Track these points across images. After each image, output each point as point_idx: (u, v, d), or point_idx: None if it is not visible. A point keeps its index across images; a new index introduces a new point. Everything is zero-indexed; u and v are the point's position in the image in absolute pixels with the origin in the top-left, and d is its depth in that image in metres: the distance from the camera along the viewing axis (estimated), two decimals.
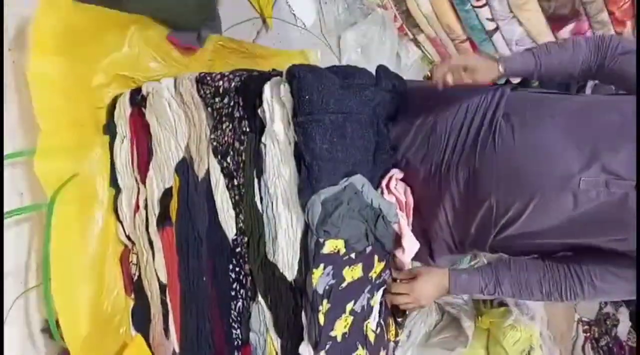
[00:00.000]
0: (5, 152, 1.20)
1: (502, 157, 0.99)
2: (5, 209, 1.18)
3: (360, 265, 1.02)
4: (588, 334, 3.50)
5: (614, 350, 3.50)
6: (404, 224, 1.09)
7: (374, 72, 1.14)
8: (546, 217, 0.97)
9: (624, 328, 3.60)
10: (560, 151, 0.95)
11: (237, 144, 1.10)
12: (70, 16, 1.26)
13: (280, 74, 1.08)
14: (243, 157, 1.08)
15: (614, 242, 0.96)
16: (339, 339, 1.00)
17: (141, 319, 1.34)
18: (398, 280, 1.13)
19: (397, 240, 1.11)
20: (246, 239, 1.10)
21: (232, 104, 1.10)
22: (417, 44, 2.92)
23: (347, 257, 0.99)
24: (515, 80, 1.72)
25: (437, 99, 1.10)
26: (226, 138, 1.11)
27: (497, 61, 1.04)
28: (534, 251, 1.08)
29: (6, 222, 1.21)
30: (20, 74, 1.24)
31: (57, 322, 1.20)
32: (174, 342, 1.24)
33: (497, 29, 2.52)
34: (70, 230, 1.24)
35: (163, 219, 1.22)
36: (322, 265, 0.96)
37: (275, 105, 1.02)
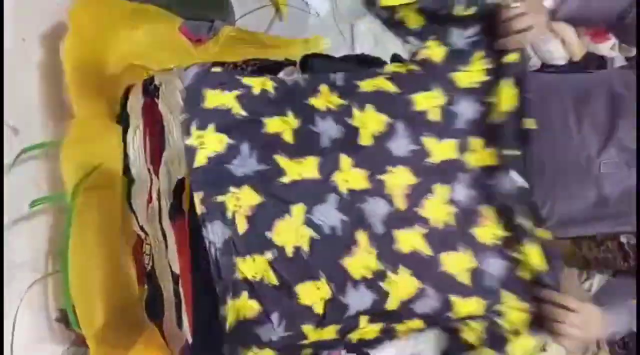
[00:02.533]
0: (22, 143, 1.21)
1: None
2: (24, 200, 1.19)
3: None
4: None
5: (630, 345, 3.45)
6: None
7: (388, 61, 1.12)
8: (572, 204, 0.94)
9: None
10: (574, 134, 0.92)
11: None
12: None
13: (293, 63, 1.07)
14: None
15: None
16: None
17: (154, 310, 1.35)
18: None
19: None
20: None
21: None
22: None
23: None
24: None
25: None
26: None
27: None
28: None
29: (24, 212, 1.22)
30: (35, 64, 1.24)
31: (74, 311, 1.21)
32: (187, 331, 1.24)
33: None
34: (86, 221, 1.25)
35: (176, 210, 1.22)
36: None
37: None
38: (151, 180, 1.31)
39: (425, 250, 0.91)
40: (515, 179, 0.89)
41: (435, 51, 0.95)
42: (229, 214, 0.92)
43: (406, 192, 0.92)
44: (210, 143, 0.91)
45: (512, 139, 0.90)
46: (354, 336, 0.96)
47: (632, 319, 0.94)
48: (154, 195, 1.30)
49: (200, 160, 0.91)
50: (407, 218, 0.92)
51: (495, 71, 0.92)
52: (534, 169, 0.92)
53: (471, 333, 0.94)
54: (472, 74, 0.93)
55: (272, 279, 0.92)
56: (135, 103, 1.32)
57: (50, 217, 1.31)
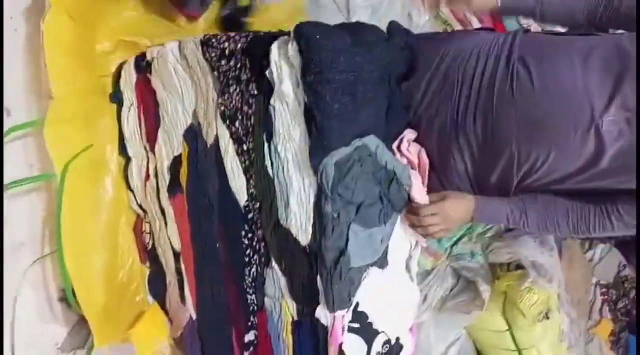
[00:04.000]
0: (14, 123, 1.18)
1: (522, 103, 0.95)
2: (16, 179, 1.18)
3: None
4: (606, 297, 3.48)
5: (632, 312, 3.48)
6: (417, 183, 1.06)
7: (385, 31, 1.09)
8: (570, 161, 0.94)
9: None
10: (581, 92, 0.92)
11: (245, 108, 1.07)
12: None
13: (287, 33, 1.04)
14: (252, 121, 1.06)
15: None
16: None
17: (157, 287, 1.35)
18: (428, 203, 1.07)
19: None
20: (258, 204, 1.08)
21: (239, 66, 1.07)
22: None
23: None
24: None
25: (447, 48, 1.05)
26: (234, 102, 1.08)
27: None
28: (560, 196, 1.05)
29: (18, 191, 1.21)
30: (23, 42, 1.22)
31: (73, 292, 1.21)
32: (191, 308, 1.25)
33: None
34: (82, 200, 1.24)
35: (174, 187, 1.21)
36: None
37: (283, 66, 0.99)
38: (148, 157, 1.30)
39: None
40: None
41: None
42: None
43: None
44: None
45: None
46: None
47: (500, 209, 1.05)
48: (152, 173, 1.29)
49: None
50: None
51: None
52: (538, 123, 0.92)
53: None
54: None
55: None
56: (128, 80, 1.30)
57: (50, 195, 1.30)
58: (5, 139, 1.16)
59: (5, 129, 1.16)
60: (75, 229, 1.20)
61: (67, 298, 1.21)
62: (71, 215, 1.18)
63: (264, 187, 1.06)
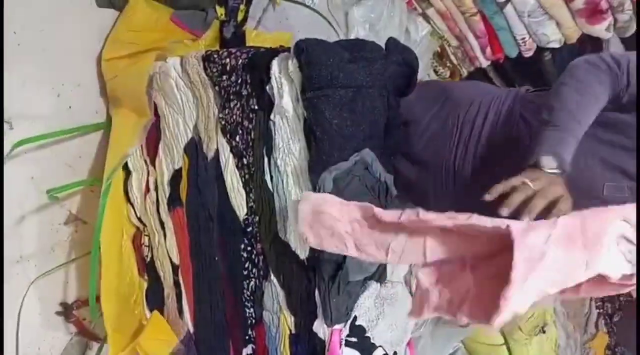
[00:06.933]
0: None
1: (520, 160, 0.90)
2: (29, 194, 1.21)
3: None
4: (601, 310, 3.49)
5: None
6: None
7: (382, 46, 1.11)
8: None
9: None
10: (582, 164, 0.93)
11: (246, 122, 1.08)
12: None
13: (287, 49, 1.06)
14: (252, 136, 1.07)
15: None
16: None
17: (155, 300, 1.35)
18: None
19: None
20: (257, 218, 1.09)
21: (239, 81, 1.08)
22: (427, 18, 2.85)
23: None
24: None
25: (451, 94, 1.08)
26: (235, 117, 1.10)
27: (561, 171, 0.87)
28: None
29: (21, 206, 1.22)
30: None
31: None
32: (188, 321, 1.25)
33: (508, 0, 2.45)
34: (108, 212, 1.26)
35: (173, 200, 1.22)
36: None
37: (283, 81, 1.00)
38: (148, 171, 1.31)
39: None
40: None
41: None
42: None
43: None
44: None
45: None
46: None
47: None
48: (151, 186, 1.29)
49: None
50: None
51: None
52: None
53: None
54: None
55: None
56: None
57: (53, 209, 1.31)
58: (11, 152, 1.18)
59: (12, 141, 1.18)
60: (105, 239, 1.23)
61: (67, 311, 1.21)
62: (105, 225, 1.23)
63: (263, 200, 1.07)
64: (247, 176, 1.09)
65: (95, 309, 1.23)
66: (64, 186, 1.27)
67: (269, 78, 1.02)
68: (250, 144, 1.07)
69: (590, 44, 2.41)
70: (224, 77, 1.10)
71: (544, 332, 2.15)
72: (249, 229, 1.11)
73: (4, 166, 1.17)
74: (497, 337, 2.12)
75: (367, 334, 1.04)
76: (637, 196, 0.89)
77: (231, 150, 1.11)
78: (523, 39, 2.53)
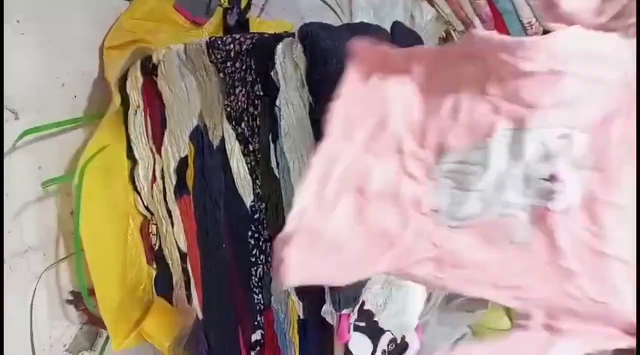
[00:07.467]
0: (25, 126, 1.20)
1: None
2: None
3: None
4: None
5: None
6: None
7: (388, 30, 1.10)
8: None
9: None
10: None
11: (251, 109, 1.08)
12: None
13: (292, 34, 1.05)
14: (258, 122, 1.07)
15: None
16: None
17: (164, 287, 1.36)
18: None
19: None
20: (264, 204, 1.09)
21: (244, 67, 1.08)
22: (432, 3, 2.82)
23: None
24: None
25: None
26: (240, 103, 1.09)
27: None
28: None
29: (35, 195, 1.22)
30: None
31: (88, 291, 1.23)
32: (197, 308, 1.25)
33: None
34: (97, 202, 1.25)
35: (180, 188, 1.22)
36: None
37: (288, 67, 1.00)
38: (154, 159, 1.31)
39: None
40: None
41: None
42: None
43: None
44: None
45: None
46: None
47: None
48: (158, 175, 1.30)
49: None
50: None
51: None
52: None
53: None
54: None
55: None
56: (135, 83, 1.31)
57: (60, 199, 1.31)
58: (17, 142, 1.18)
59: (17, 132, 1.18)
60: (92, 230, 1.21)
61: (78, 300, 1.22)
62: (87, 216, 1.20)
63: (270, 187, 1.07)
64: (253, 163, 1.09)
65: (90, 300, 1.24)
66: (57, 177, 1.26)
67: (274, 63, 1.02)
68: (256, 130, 1.07)
69: None
70: (229, 64, 1.10)
71: None
72: (256, 216, 1.11)
73: (9, 156, 1.17)
74: (505, 322, 2.13)
75: (375, 318, 1.04)
76: (638, 196, 0.88)
77: (237, 137, 1.11)
78: (529, 22, 2.50)
